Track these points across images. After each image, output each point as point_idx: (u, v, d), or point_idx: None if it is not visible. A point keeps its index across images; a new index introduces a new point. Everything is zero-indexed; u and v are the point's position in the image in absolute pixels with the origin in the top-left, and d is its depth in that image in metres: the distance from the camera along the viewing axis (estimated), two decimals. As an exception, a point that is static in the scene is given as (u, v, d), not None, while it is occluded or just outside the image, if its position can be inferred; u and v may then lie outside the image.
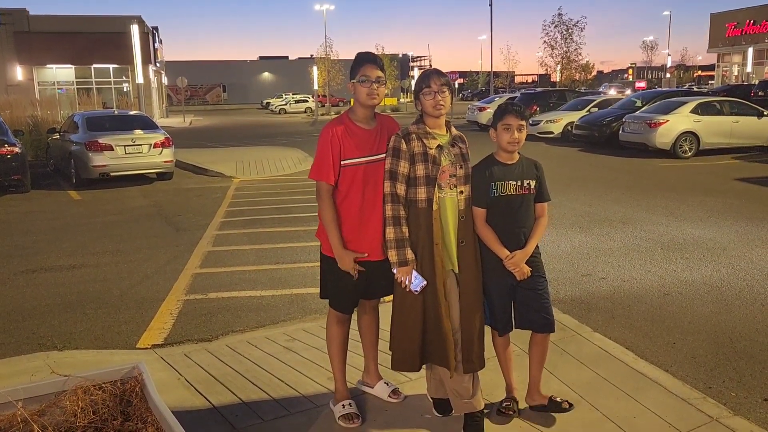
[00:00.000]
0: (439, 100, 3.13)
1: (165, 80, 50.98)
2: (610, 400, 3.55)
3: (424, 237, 3.12)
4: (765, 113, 15.92)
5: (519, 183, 3.26)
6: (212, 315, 5.28)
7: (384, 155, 3.23)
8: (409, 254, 3.10)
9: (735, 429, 3.24)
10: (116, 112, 15.62)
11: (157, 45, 40.81)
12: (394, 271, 3.14)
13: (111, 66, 34.47)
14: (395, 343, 3.26)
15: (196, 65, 75.79)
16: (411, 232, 3.14)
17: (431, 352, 3.20)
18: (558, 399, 3.41)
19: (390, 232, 3.12)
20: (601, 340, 4.41)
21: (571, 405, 3.38)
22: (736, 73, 53.96)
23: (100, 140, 12.23)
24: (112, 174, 12.51)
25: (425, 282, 3.12)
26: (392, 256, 3.11)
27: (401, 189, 3.13)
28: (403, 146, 3.13)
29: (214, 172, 14.35)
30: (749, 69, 49.04)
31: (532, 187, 3.29)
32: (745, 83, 41.70)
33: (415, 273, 3.11)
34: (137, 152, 12.60)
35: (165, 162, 12.98)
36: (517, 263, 3.22)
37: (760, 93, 26.94)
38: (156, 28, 41.25)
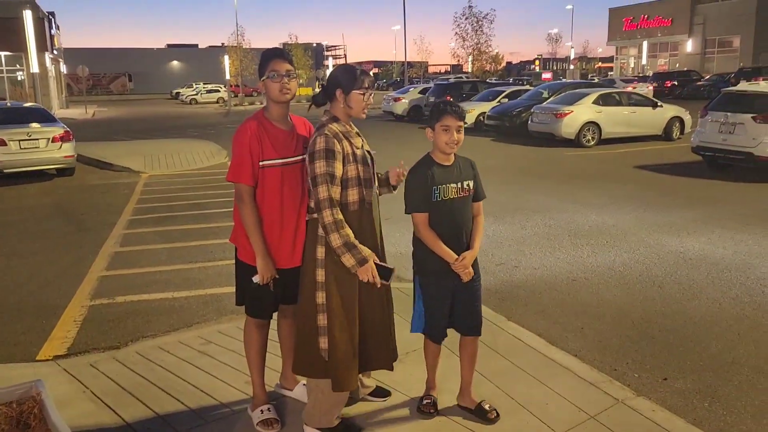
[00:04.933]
0: (369, 102, 3.07)
1: (64, 69, 47.86)
2: (524, 388, 3.66)
3: (362, 240, 2.99)
4: (659, 104, 16.95)
5: (459, 185, 3.21)
6: (120, 320, 5.02)
7: (301, 157, 3.14)
8: (365, 250, 2.91)
9: (638, 409, 3.43)
10: (9, 104, 14.48)
11: (54, 31, 38.23)
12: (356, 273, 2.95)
13: (2, 53, 31.90)
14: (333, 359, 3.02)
15: (99, 53, 71.78)
16: None
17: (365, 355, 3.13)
18: (486, 407, 3.34)
19: (336, 239, 2.88)
20: (515, 329, 4.55)
21: (497, 416, 3.30)
22: (632, 65, 57.28)
23: (-8, 135, 11.36)
24: (5, 171, 11.67)
25: (394, 267, 3.02)
26: (348, 260, 2.89)
27: (337, 193, 2.92)
28: (337, 147, 2.93)
29: (121, 167, 13.66)
30: (644, 61, 52.23)
31: (471, 187, 3.26)
32: (641, 75, 44.37)
33: (379, 265, 2.96)
34: (34, 147, 11.81)
35: (65, 157, 12.24)
36: (467, 265, 3.17)
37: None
38: (52, 14, 38.61)
